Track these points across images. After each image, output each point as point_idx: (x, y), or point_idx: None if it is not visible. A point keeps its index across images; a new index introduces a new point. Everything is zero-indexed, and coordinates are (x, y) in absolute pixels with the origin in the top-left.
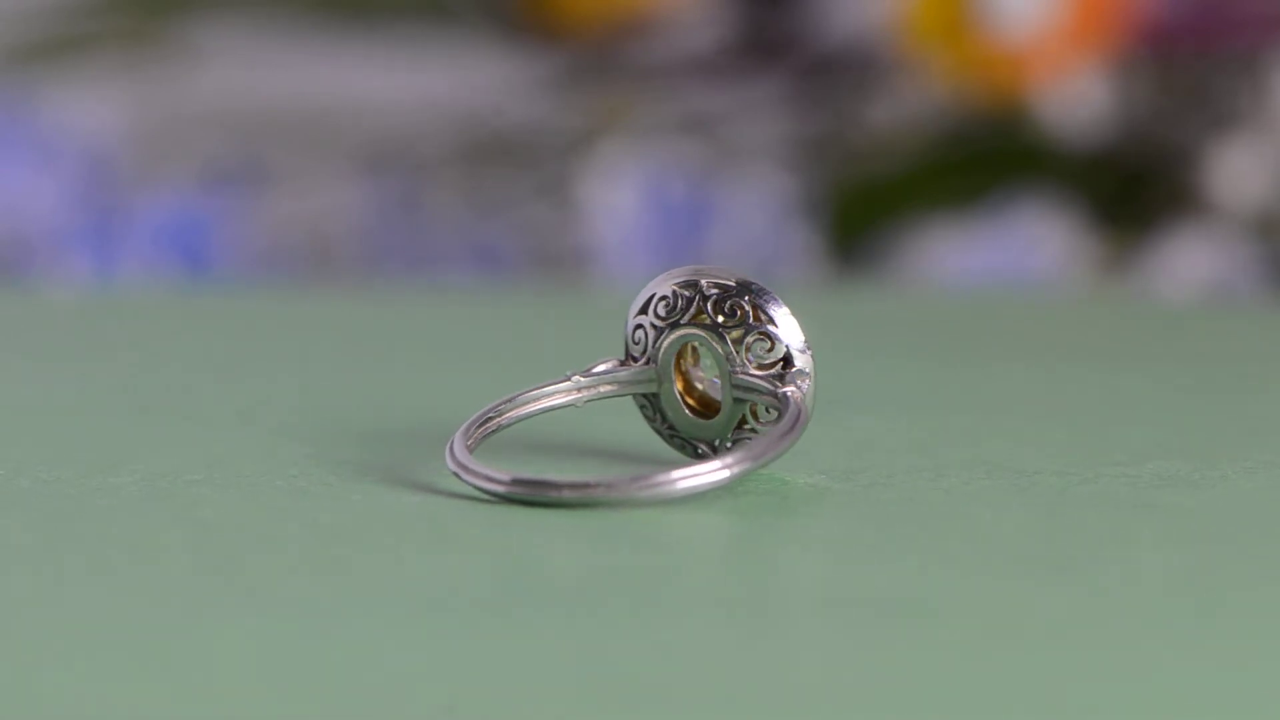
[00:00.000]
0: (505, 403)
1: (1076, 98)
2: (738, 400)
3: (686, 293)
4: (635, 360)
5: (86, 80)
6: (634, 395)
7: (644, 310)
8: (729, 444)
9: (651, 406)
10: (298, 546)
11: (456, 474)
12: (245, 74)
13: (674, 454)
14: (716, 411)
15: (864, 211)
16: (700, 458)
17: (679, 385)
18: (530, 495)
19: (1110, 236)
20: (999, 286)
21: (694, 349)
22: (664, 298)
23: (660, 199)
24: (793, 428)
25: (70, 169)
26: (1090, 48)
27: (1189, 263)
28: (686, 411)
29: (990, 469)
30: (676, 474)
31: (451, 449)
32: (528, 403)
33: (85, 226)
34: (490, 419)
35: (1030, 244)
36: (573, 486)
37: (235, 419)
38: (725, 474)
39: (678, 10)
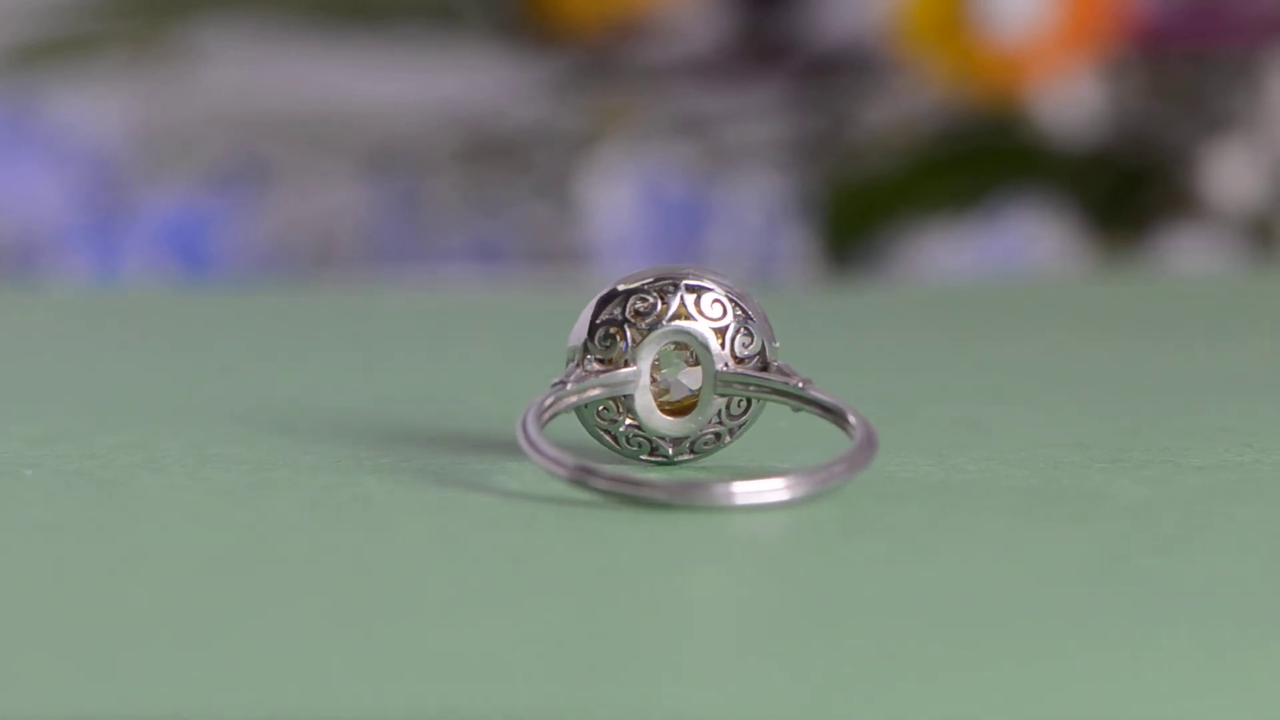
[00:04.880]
0: (555, 392)
1: (1071, 99)
2: (722, 395)
3: (661, 293)
4: (602, 363)
5: (91, 81)
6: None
7: (611, 312)
8: (690, 440)
9: (619, 407)
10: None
11: (582, 482)
12: (248, 75)
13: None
14: (688, 409)
15: (860, 212)
16: (675, 464)
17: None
18: (583, 481)
19: (1105, 237)
20: (995, 281)
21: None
22: (635, 299)
23: (658, 199)
24: (866, 449)
25: (74, 169)
26: (1085, 50)
27: (1183, 264)
28: (659, 411)
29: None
30: (738, 487)
31: (527, 433)
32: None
33: (89, 226)
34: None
35: (1025, 244)
36: (618, 481)
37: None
38: (786, 495)
39: (676, 13)
